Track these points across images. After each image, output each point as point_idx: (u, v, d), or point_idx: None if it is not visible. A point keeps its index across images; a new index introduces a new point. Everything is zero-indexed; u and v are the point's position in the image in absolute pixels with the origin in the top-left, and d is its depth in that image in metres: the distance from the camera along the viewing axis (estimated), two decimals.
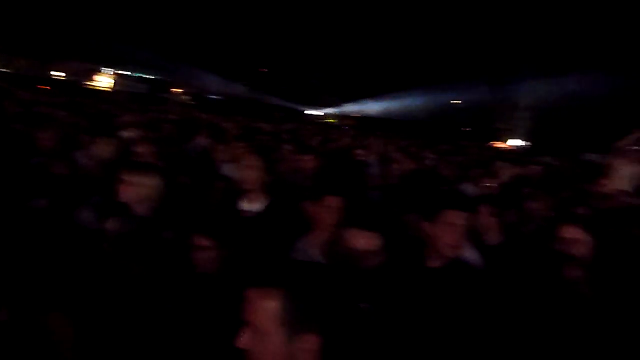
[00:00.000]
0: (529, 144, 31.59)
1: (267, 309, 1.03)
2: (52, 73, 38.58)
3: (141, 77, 42.31)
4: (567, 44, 31.33)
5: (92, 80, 39.24)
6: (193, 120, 10.87)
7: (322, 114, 45.85)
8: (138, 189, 2.66)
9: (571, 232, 2.65)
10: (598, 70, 29.65)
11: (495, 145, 25.44)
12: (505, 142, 31.99)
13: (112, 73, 40.39)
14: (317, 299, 1.03)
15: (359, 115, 44.11)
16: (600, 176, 5.31)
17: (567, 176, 7.06)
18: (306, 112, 44.97)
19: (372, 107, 43.65)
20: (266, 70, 47.45)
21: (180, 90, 42.85)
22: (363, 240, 2.02)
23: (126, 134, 5.98)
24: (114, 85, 39.06)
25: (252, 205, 3.05)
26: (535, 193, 4.44)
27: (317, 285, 1.05)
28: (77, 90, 29.25)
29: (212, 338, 1.72)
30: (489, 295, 2.30)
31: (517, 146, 30.79)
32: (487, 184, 4.27)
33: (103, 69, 40.19)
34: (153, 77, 42.80)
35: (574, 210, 3.74)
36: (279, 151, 6.10)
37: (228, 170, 3.98)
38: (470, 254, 2.73)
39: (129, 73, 41.70)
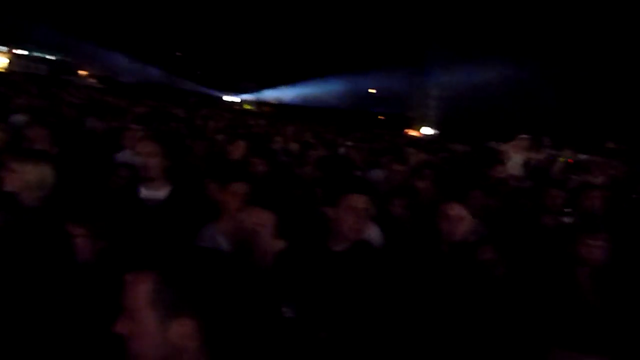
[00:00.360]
0: (439, 132, 33.32)
1: (139, 291, 1.02)
2: None
3: (42, 57, 38.91)
4: (477, 34, 33.25)
5: None
6: (97, 104, 10.23)
7: (239, 100, 45.07)
8: (24, 177, 2.45)
9: (455, 210, 2.83)
10: (507, 60, 31.84)
11: (408, 133, 26.51)
12: (419, 130, 33.48)
13: (6, 51, 36.74)
14: (195, 282, 1.01)
15: (276, 102, 43.91)
16: (496, 162, 5.73)
17: (469, 162, 7.50)
18: (224, 98, 43.96)
19: (290, 94, 43.63)
20: (181, 54, 45.69)
21: (87, 73, 40.02)
22: (259, 217, 1.99)
23: (18, 118, 5.50)
24: (9, 66, 35.58)
25: (154, 193, 2.93)
26: (436, 177, 4.70)
27: (199, 269, 1.04)
28: None
29: (91, 325, 1.64)
30: (393, 276, 2.40)
31: (429, 134, 32.32)
32: (396, 169, 4.43)
33: None
34: (55, 58, 39.53)
35: (465, 191, 4.00)
36: (189, 137, 5.94)
37: (129, 156, 3.81)
38: (374, 236, 2.83)
39: (27, 52, 38.17)
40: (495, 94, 31.05)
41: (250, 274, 1.82)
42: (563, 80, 31.09)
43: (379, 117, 39.09)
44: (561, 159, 7.18)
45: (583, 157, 12.67)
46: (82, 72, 39.73)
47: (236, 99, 45.01)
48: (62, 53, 39.43)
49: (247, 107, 43.43)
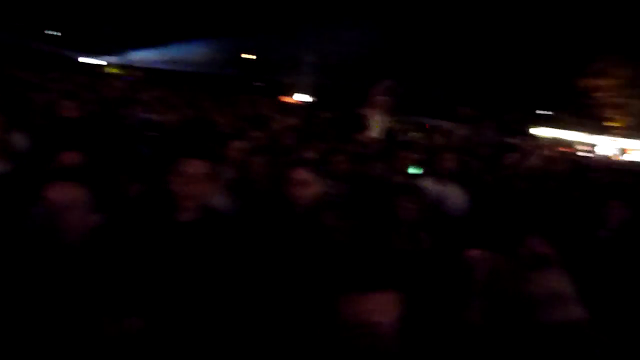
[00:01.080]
0: (314, 98, 33.88)
1: None
2: None
3: None
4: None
5: None
6: None
7: (104, 63, 41.07)
8: None
9: (301, 174, 2.86)
10: (375, 27, 33.11)
11: (283, 100, 26.53)
12: (292, 96, 33.67)
13: None
14: None
15: (146, 66, 40.81)
16: (361, 126, 5.97)
17: (337, 127, 7.72)
18: (80, 60, 39.52)
19: (161, 57, 40.90)
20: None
21: None
22: (67, 193, 1.80)
23: None
24: None
25: None
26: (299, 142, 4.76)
27: None
28: None
29: None
30: (243, 243, 2.36)
31: (303, 101, 32.69)
32: (256, 135, 4.38)
33: None
34: None
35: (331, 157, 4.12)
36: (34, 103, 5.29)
37: None
38: (223, 203, 2.76)
39: None
40: (365, 60, 32.30)
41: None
42: (423, 47, 33.29)
43: (255, 83, 38.51)
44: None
45: (440, 123, 13.76)
46: None
47: (99, 61, 40.92)
48: None
49: (113, 70, 39.75)
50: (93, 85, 11.41)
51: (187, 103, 9.22)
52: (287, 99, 28.46)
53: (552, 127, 31.96)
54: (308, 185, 2.76)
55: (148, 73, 38.15)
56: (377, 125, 5.60)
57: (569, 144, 26.19)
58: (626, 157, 25.04)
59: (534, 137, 27.21)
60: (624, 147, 28.91)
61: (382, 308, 1.15)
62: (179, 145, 2.34)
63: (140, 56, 41.54)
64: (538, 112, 33.66)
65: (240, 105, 11.94)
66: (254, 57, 40.83)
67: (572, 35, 29.72)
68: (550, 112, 33.25)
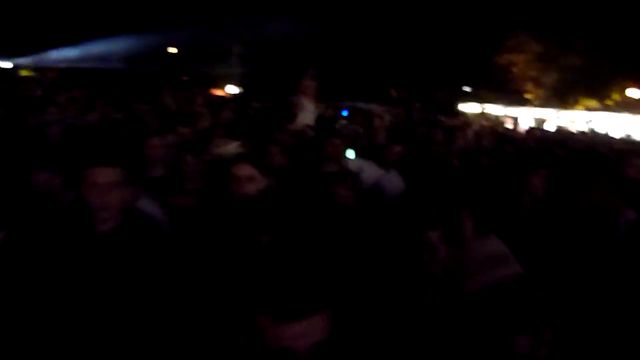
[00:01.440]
0: (242, 90, 33.30)
1: None
2: None
3: None
4: None
5: None
6: None
7: (11, 65, 38.02)
8: None
9: (244, 170, 2.77)
10: (304, 15, 32.98)
11: (212, 93, 25.86)
12: (223, 88, 32.93)
13: None
14: None
15: (64, 66, 38.28)
16: (292, 115, 5.86)
17: (268, 118, 7.58)
18: None
19: (79, 55, 38.56)
20: None
21: None
22: None
23: None
24: None
25: None
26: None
27: None
28: None
29: None
30: (170, 249, 2.23)
31: (233, 93, 32.09)
32: (181, 132, 4.19)
33: None
34: None
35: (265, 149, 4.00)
36: None
37: None
38: (149, 207, 2.59)
39: None
40: (292, 47, 32.14)
41: None
42: (354, 34, 33.63)
43: (183, 77, 37.24)
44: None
45: (370, 106, 13.96)
46: None
47: (6, 64, 37.83)
48: None
49: (25, 73, 36.89)
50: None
51: (108, 102, 8.71)
52: (216, 92, 27.79)
53: (477, 102, 33.45)
54: (252, 180, 2.66)
55: (65, 73, 35.82)
56: (307, 113, 5.53)
57: (493, 118, 27.52)
58: (544, 127, 26.68)
59: (462, 113, 28.36)
60: (540, 117, 30.80)
61: (307, 332, 1.08)
62: (92, 150, 2.16)
63: (57, 55, 38.99)
64: (464, 89, 35.05)
65: (168, 100, 11.46)
66: (180, 50, 39.43)
67: (488, 14, 31.05)
68: (473, 89, 34.72)
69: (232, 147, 4.04)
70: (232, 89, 33.83)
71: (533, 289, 1.56)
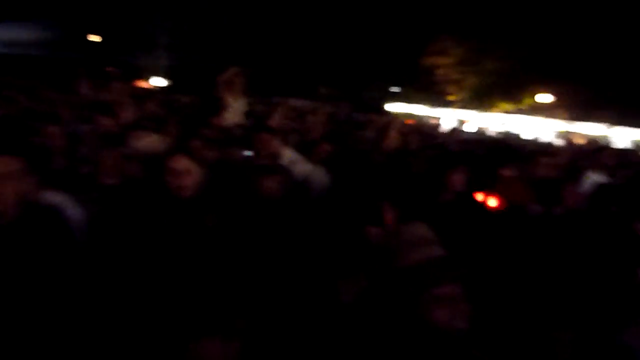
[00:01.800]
0: (170, 82, 32.17)
1: None
2: None
3: None
4: None
5: None
6: None
7: None
8: None
9: (180, 163, 2.72)
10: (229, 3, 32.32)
11: (138, 85, 24.76)
12: (148, 80, 31.59)
13: None
14: None
15: None
16: (218, 110, 5.71)
17: (195, 112, 7.38)
18: None
19: None
20: None
21: None
22: None
23: None
24: None
25: None
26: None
27: None
28: None
29: None
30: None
31: (160, 85, 30.90)
32: (103, 123, 3.97)
33: None
34: None
35: (189, 143, 3.89)
36: None
37: None
38: (55, 200, 2.43)
39: None
40: (225, 42, 31.51)
41: None
42: (285, 29, 33.53)
43: (106, 68, 35.19)
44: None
45: (300, 102, 14.02)
46: None
47: None
48: None
49: None
50: None
51: (20, 91, 8.12)
52: (141, 84, 26.63)
53: (404, 102, 34.64)
54: (189, 173, 2.59)
55: None
56: (234, 108, 5.42)
57: (418, 118, 28.64)
58: (465, 127, 28.19)
59: (389, 113, 29.22)
60: (462, 118, 32.50)
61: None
62: None
63: None
64: (392, 89, 36.11)
65: (84, 89, 10.84)
66: (103, 39, 37.25)
67: (416, 17, 32.20)
68: (401, 89, 35.89)
69: (154, 141, 3.89)
70: (158, 81, 32.55)
71: (457, 266, 1.66)
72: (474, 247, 3.02)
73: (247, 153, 4.03)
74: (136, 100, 7.43)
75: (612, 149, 10.87)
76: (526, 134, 24.09)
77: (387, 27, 32.73)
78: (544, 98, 30.99)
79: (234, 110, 5.44)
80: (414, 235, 1.76)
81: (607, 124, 30.03)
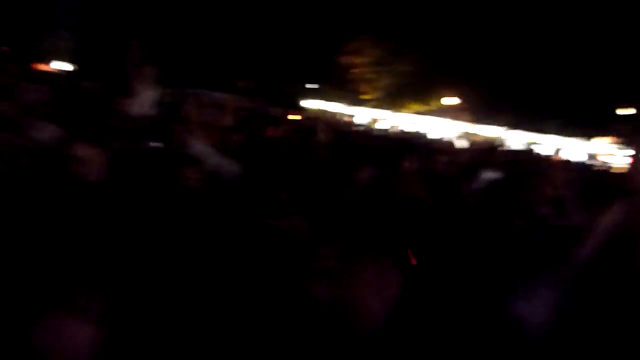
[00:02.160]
0: (75, 67, 30.06)
1: None
2: None
3: None
4: None
5: None
6: None
7: None
8: None
9: (83, 150, 2.66)
10: None
11: (37, 68, 22.85)
12: (49, 64, 29.26)
13: None
14: None
15: None
16: (123, 97, 5.49)
17: (101, 100, 7.06)
18: None
19: None
20: None
21: None
22: None
23: None
24: None
25: None
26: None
27: None
28: None
29: None
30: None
31: (62, 69, 28.76)
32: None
33: None
34: None
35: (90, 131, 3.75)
36: None
37: None
38: None
39: None
40: (136, 27, 29.97)
41: None
42: (202, 19, 32.62)
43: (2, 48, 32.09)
44: None
45: (215, 94, 13.82)
46: None
47: None
48: None
49: None
50: None
51: None
52: (41, 67, 24.61)
53: (320, 99, 35.21)
54: (92, 161, 2.53)
55: None
56: (143, 97, 5.25)
57: (333, 115, 29.29)
58: (377, 126, 29.32)
59: (305, 109, 29.57)
60: (375, 117, 33.78)
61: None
62: None
63: None
64: (308, 85, 36.50)
65: None
66: None
67: (334, 16, 32.80)
68: (318, 86, 36.42)
69: (52, 131, 3.71)
70: (60, 65, 30.25)
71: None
72: (379, 237, 3.25)
73: (154, 144, 3.98)
74: (34, 84, 6.94)
75: (505, 149, 11.93)
76: (433, 134, 25.55)
77: (306, 24, 33.03)
78: (450, 101, 33.21)
79: (143, 100, 5.27)
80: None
81: (504, 127, 33.11)
